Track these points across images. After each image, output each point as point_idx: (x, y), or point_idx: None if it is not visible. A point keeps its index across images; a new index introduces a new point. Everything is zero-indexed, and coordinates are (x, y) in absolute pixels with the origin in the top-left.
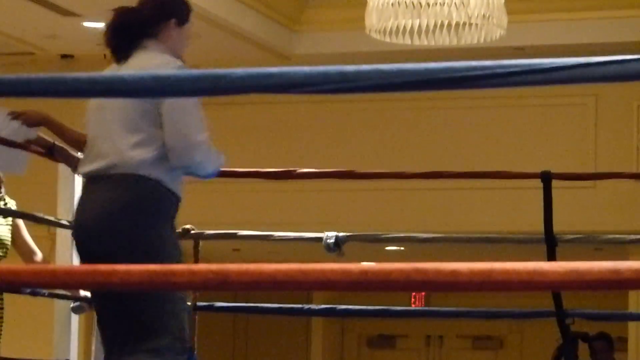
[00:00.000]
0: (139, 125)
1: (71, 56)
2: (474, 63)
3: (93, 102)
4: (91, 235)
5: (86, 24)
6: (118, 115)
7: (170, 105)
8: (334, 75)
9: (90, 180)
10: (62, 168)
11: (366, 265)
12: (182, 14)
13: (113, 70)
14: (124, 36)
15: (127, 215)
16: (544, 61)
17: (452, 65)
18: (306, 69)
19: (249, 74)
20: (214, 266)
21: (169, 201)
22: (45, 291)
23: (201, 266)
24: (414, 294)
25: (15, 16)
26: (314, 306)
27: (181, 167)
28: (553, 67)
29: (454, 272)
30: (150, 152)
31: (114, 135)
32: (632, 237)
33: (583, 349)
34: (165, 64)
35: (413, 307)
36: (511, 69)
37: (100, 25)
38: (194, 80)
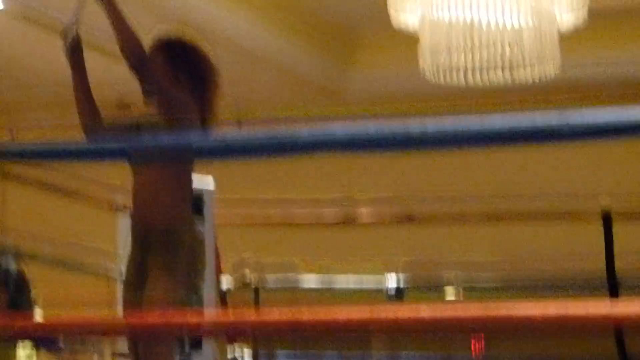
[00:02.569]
0: None
1: (128, 105)
2: (535, 116)
3: None
4: None
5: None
6: None
7: None
8: (398, 132)
9: None
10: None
11: (431, 307)
12: None
13: None
14: None
15: None
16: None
17: (517, 118)
18: (371, 125)
19: (316, 133)
20: (287, 313)
21: None
22: None
23: (273, 314)
24: (473, 341)
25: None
26: (376, 353)
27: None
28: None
29: (527, 317)
30: None
31: None
32: None
33: None
34: None
35: (474, 356)
36: (572, 122)
37: None
38: (261, 141)
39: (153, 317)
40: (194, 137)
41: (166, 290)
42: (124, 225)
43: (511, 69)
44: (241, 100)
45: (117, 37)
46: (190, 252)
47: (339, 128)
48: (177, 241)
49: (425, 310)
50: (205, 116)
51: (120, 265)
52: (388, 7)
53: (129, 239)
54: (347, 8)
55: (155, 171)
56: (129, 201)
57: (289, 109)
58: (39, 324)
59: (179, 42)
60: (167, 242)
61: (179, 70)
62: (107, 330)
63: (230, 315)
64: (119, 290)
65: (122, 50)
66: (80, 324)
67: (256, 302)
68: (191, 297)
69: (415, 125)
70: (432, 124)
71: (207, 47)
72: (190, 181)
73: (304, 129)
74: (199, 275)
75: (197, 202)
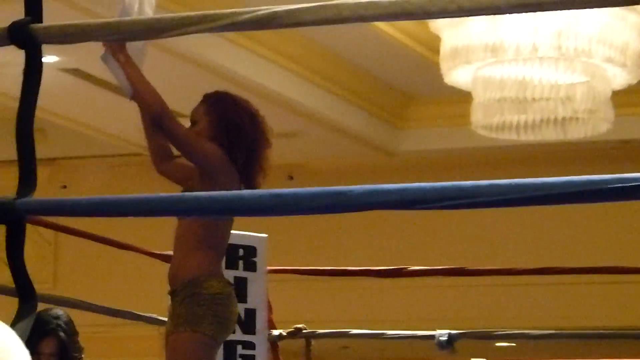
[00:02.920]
0: None
1: (179, 156)
2: (591, 177)
3: None
4: None
5: None
6: None
7: None
8: (452, 191)
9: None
10: None
11: None
12: None
13: None
14: None
15: None
16: None
17: (570, 180)
18: (424, 185)
19: (368, 190)
20: None
21: None
22: None
23: None
24: None
25: (120, 117)
26: None
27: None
28: None
29: None
30: None
31: None
32: None
33: None
34: None
35: None
36: (629, 184)
37: None
38: (312, 197)
39: None
40: (231, 197)
41: (182, 341)
42: None
43: (563, 124)
44: (294, 157)
45: (137, 101)
46: (212, 303)
47: (392, 187)
48: (196, 293)
49: None
50: (248, 171)
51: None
52: (441, 65)
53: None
54: (402, 66)
55: (185, 222)
56: None
57: (341, 166)
58: None
59: (219, 96)
60: (186, 294)
61: (217, 124)
62: None
63: None
64: None
65: (143, 113)
66: None
67: (307, 352)
68: (214, 347)
69: (469, 185)
70: (485, 185)
71: (254, 104)
72: (223, 235)
73: (356, 186)
74: (224, 327)
75: (249, 255)
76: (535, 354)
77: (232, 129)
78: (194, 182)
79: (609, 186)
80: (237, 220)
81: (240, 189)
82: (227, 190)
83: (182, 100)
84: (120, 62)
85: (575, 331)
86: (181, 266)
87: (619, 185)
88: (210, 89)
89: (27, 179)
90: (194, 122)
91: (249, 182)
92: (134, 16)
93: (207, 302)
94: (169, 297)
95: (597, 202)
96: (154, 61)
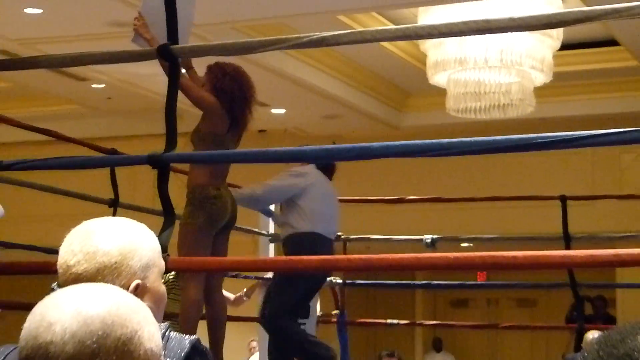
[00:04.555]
0: None
1: (264, 131)
2: (521, 136)
3: (322, 189)
4: None
5: (273, 110)
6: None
7: None
8: (435, 145)
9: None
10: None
11: (454, 254)
12: None
13: None
14: None
15: None
16: (569, 134)
17: (509, 137)
18: (420, 143)
19: (383, 145)
20: (363, 256)
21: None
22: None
23: (355, 257)
24: (479, 273)
25: None
26: (417, 282)
27: None
28: (577, 137)
29: (511, 257)
30: None
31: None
32: (621, 234)
33: (587, 307)
34: None
35: (479, 282)
36: (551, 139)
37: (281, 111)
38: (348, 150)
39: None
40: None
41: (181, 231)
42: None
43: (504, 109)
44: (332, 131)
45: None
46: (205, 204)
47: (398, 143)
48: (195, 197)
49: (451, 256)
50: (233, 114)
51: None
52: (427, 72)
53: None
54: (402, 69)
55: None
56: None
57: (363, 135)
58: None
59: (221, 65)
60: (189, 197)
61: (212, 84)
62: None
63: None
64: None
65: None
66: None
67: (344, 250)
68: (204, 236)
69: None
70: (455, 141)
71: (244, 72)
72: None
73: (375, 143)
74: (213, 222)
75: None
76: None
77: (219, 88)
78: (200, 121)
79: (532, 142)
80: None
81: (228, 126)
82: (217, 125)
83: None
84: (147, 39)
85: (510, 236)
86: (191, 178)
87: (538, 141)
88: (277, 86)
89: (171, 142)
90: (202, 84)
91: (234, 123)
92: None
93: (200, 203)
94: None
95: (524, 152)
96: (246, 66)
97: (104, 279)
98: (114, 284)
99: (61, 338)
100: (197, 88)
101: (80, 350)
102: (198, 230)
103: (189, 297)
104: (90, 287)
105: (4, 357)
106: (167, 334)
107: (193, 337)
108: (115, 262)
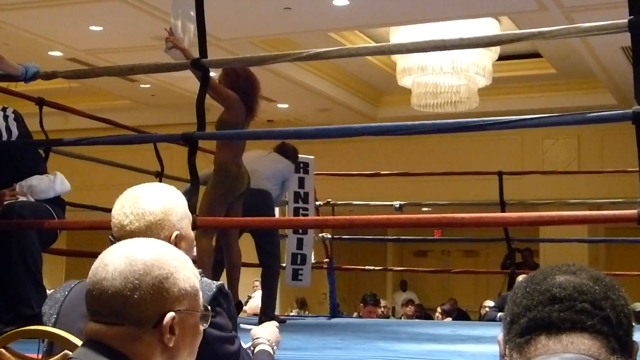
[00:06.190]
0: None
1: (272, 121)
2: (473, 119)
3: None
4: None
5: (279, 105)
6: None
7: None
8: (402, 126)
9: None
10: None
11: (417, 215)
12: None
13: None
14: None
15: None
16: (501, 118)
17: (458, 121)
18: (390, 124)
19: (365, 126)
20: (347, 217)
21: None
22: None
23: (340, 217)
24: (435, 230)
25: None
26: (388, 237)
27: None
28: (506, 121)
29: (460, 218)
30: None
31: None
32: (543, 201)
33: (518, 257)
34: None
35: (436, 237)
36: (488, 122)
37: (285, 105)
38: (345, 130)
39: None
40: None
41: (205, 198)
42: None
43: (455, 105)
44: (326, 120)
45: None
46: (226, 179)
47: (375, 125)
48: (219, 173)
49: (414, 217)
50: (249, 107)
51: None
52: (397, 75)
53: None
54: (377, 74)
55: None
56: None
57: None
58: None
59: (234, 69)
60: (215, 173)
61: (234, 84)
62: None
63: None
64: None
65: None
66: None
67: (332, 213)
68: (222, 205)
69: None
70: (417, 123)
71: (254, 74)
72: (241, 146)
73: (358, 124)
74: (230, 193)
75: (305, 166)
76: (444, 212)
77: (236, 87)
78: (223, 113)
79: (472, 124)
80: (302, 146)
81: (245, 115)
82: (238, 115)
83: (264, 86)
84: (182, 50)
85: (459, 202)
86: (218, 157)
87: (478, 123)
88: (282, 87)
89: (200, 125)
90: (221, 82)
91: (249, 113)
92: (179, 32)
93: (225, 178)
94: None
95: (468, 132)
96: (257, 71)
97: (152, 234)
98: (159, 236)
99: (112, 275)
100: (224, 88)
101: (125, 285)
102: (217, 199)
103: (203, 247)
104: (140, 240)
105: (70, 289)
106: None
107: (219, 282)
108: (160, 220)
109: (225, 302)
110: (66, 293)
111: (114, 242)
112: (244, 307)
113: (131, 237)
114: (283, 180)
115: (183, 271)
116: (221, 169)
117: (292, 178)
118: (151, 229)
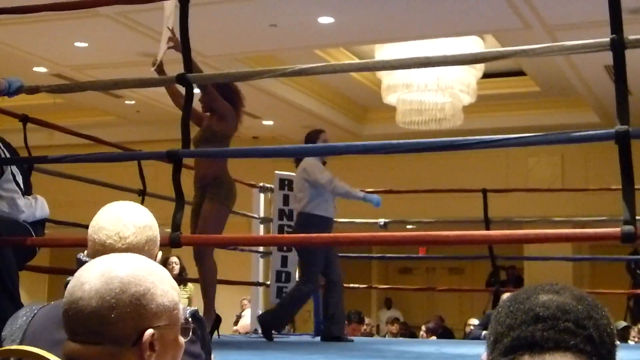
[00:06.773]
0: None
1: (257, 137)
2: (458, 138)
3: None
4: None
5: (264, 122)
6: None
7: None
8: (388, 145)
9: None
10: (256, 190)
11: (402, 233)
12: None
13: None
14: None
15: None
16: (486, 137)
17: (444, 140)
18: (375, 143)
19: (348, 144)
20: (331, 235)
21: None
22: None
23: (325, 235)
24: (420, 248)
25: None
26: (373, 255)
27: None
28: (490, 140)
29: (445, 236)
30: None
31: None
32: (527, 219)
33: (502, 274)
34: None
35: (420, 255)
36: (473, 141)
37: (270, 122)
38: (330, 148)
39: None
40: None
41: (215, 209)
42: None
43: (439, 122)
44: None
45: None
46: (225, 189)
47: (360, 143)
48: (223, 183)
49: (399, 235)
50: (239, 116)
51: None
52: (382, 93)
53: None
54: (363, 91)
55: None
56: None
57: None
58: None
59: (222, 84)
60: (216, 184)
61: (223, 96)
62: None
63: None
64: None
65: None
66: None
67: None
68: (226, 212)
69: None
70: (402, 142)
71: (240, 88)
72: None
73: (341, 143)
74: (232, 201)
75: (288, 184)
76: (426, 230)
77: (225, 98)
78: (211, 122)
79: (457, 143)
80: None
81: (237, 125)
82: (230, 124)
83: (249, 102)
84: (161, 73)
85: (444, 219)
86: (214, 170)
87: (463, 142)
88: (267, 103)
89: (185, 142)
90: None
91: (236, 127)
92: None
93: (229, 190)
94: (200, 188)
95: (453, 150)
96: (243, 87)
97: (149, 248)
98: (153, 251)
99: (88, 295)
100: (220, 98)
101: (102, 304)
102: (226, 213)
103: (212, 264)
104: (116, 256)
105: (34, 315)
106: None
107: (193, 308)
108: (155, 235)
109: (200, 329)
110: (30, 318)
111: (84, 263)
112: (235, 327)
113: (129, 251)
114: (306, 185)
115: (161, 286)
116: (221, 181)
117: (315, 166)
118: (149, 244)
